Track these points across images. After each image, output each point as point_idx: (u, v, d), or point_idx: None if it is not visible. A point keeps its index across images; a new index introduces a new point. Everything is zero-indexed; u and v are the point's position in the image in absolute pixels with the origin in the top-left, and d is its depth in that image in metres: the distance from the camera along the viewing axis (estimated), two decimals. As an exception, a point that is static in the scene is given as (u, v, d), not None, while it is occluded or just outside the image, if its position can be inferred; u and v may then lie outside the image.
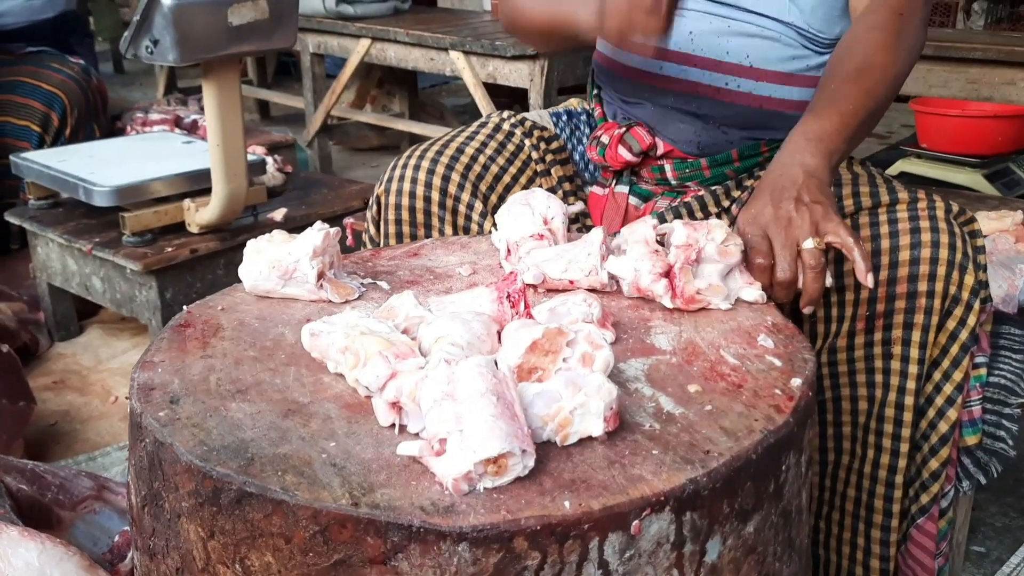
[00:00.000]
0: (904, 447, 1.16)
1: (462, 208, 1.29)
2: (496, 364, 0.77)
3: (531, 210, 1.10)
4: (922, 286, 1.11)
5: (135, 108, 2.93)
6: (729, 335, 0.94)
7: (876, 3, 1.19)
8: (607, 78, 1.41)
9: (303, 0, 3.42)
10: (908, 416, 1.15)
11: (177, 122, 2.73)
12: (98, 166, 2.02)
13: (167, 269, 1.91)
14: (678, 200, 1.34)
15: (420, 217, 1.28)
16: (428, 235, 1.29)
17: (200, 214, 1.94)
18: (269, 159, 2.34)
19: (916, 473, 1.18)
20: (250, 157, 1.99)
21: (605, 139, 1.37)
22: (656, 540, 0.71)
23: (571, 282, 1.02)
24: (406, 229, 1.30)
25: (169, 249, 1.92)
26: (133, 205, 1.93)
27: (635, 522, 0.69)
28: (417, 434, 0.76)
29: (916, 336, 1.12)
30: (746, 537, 0.77)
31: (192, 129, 2.68)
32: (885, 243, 1.14)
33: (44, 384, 2.00)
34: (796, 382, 0.85)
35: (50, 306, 2.20)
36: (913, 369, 1.13)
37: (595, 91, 1.48)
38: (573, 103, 1.52)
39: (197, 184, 1.98)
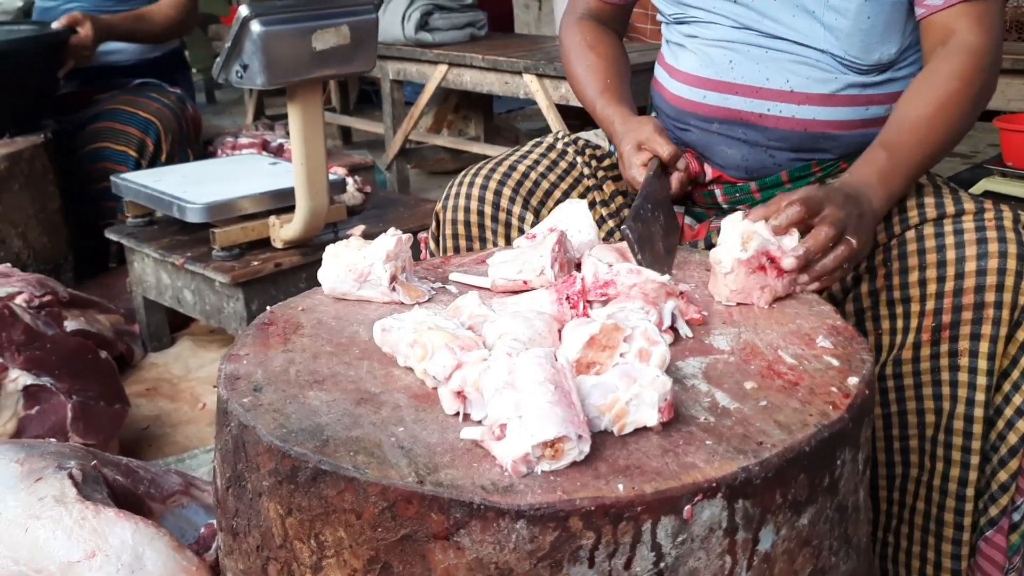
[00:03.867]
0: (975, 460, 1.14)
1: (514, 221, 1.34)
2: (556, 356, 0.81)
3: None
4: (989, 297, 1.10)
5: (226, 133, 3.09)
6: (788, 336, 0.96)
7: (957, 46, 1.18)
8: (660, 103, 1.44)
9: (384, 28, 3.56)
10: (978, 428, 1.13)
11: (264, 146, 2.86)
12: (191, 185, 2.15)
13: (253, 282, 2.01)
14: None
15: (475, 231, 1.35)
16: (483, 247, 1.35)
17: (284, 230, 2.04)
18: (349, 179, 2.44)
19: (984, 485, 1.16)
20: (331, 177, 2.08)
21: None
22: (708, 526, 0.73)
23: (524, 282, 1.05)
24: (462, 243, 1.36)
25: (255, 263, 2.02)
26: (222, 221, 2.04)
27: (687, 507, 0.72)
28: (480, 421, 0.80)
29: (984, 347, 1.11)
30: (800, 529, 0.79)
31: (278, 152, 2.81)
32: (951, 254, 1.14)
33: (138, 391, 2.12)
34: (853, 380, 0.86)
35: (145, 318, 2.33)
36: (982, 381, 1.12)
37: (652, 115, 1.51)
38: None
39: (282, 202, 2.09)
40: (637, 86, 3.00)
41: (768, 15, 1.27)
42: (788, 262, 1.02)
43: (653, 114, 1.51)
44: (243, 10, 1.67)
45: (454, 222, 1.36)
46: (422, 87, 3.59)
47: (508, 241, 1.34)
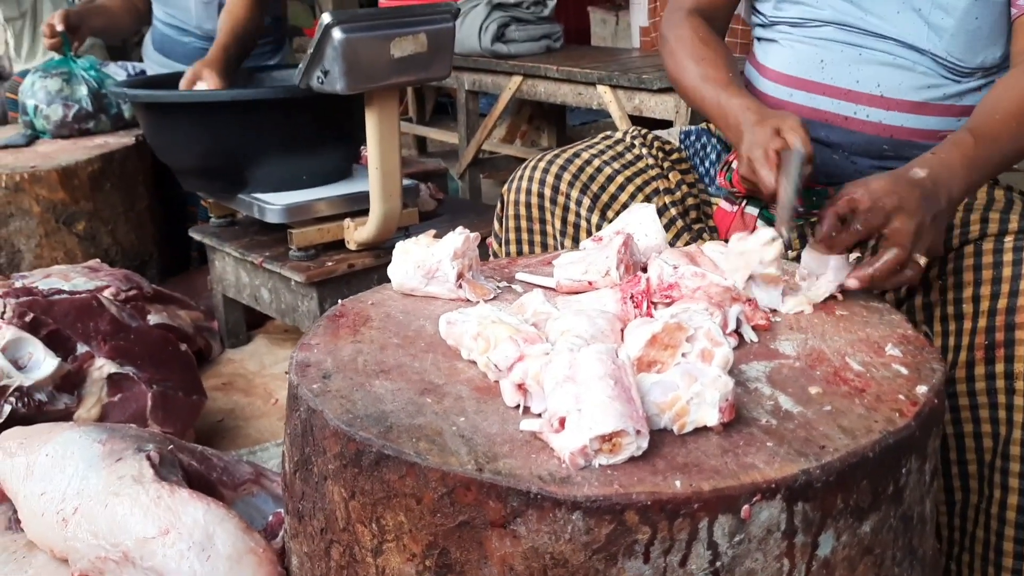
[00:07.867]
0: None
1: (572, 205, 1.39)
2: (616, 352, 0.81)
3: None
4: None
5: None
6: (856, 344, 0.95)
7: None
8: None
9: (461, 40, 3.61)
10: None
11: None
12: (271, 187, 2.21)
13: (326, 282, 2.07)
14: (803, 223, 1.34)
15: (535, 212, 1.42)
16: (542, 229, 1.43)
17: (358, 232, 2.09)
18: (422, 186, 2.49)
19: None
20: (405, 183, 2.13)
21: (735, 164, 1.39)
22: (767, 527, 0.73)
23: (590, 283, 1.06)
24: (523, 223, 1.44)
25: (329, 263, 2.07)
26: (300, 223, 2.10)
27: (745, 507, 0.71)
28: (539, 414, 0.81)
29: None
30: (862, 536, 0.77)
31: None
32: (1007, 271, 1.11)
33: (214, 385, 2.19)
34: (922, 389, 0.84)
35: (223, 315, 2.41)
36: None
37: None
38: (711, 125, 1.55)
39: (357, 205, 2.14)
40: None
41: (872, 11, 1.25)
42: (851, 283, 1.04)
43: None
44: (325, 17, 1.73)
45: (516, 203, 1.44)
46: (496, 99, 3.63)
47: (565, 223, 1.40)
